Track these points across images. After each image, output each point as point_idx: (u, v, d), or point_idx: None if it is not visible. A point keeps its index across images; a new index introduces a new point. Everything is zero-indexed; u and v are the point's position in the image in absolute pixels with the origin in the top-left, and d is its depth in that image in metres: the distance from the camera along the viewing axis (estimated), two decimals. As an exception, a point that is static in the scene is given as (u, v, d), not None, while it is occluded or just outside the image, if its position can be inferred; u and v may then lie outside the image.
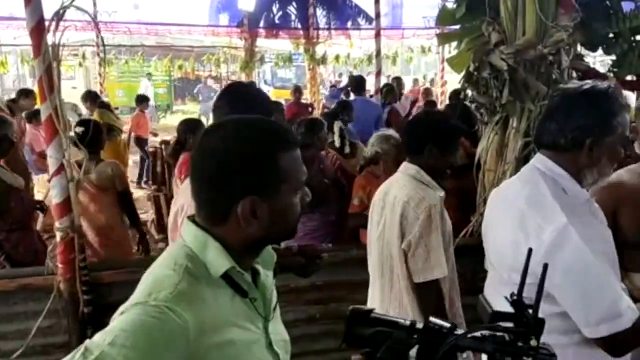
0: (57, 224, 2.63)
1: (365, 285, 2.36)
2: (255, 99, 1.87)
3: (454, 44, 3.52)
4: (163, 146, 5.80)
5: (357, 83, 6.56)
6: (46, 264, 2.74)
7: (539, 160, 1.52)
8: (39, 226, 3.99)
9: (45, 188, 4.43)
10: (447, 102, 7.38)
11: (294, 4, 12.35)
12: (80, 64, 12.89)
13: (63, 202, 2.61)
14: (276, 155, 1.00)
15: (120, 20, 13.20)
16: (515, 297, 0.90)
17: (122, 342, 0.87)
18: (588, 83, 1.49)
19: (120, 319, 0.92)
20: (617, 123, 1.42)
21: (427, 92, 9.99)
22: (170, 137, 6.70)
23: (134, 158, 9.00)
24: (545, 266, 0.90)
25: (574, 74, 3.00)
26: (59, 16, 2.47)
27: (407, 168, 2.18)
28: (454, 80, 5.23)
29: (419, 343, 0.90)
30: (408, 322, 0.93)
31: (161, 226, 4.91)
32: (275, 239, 1.10)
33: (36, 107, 5.31)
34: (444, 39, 3.98)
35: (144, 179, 8.55)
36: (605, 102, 1.43)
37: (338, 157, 4.12)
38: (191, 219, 1.05)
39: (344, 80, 14.84)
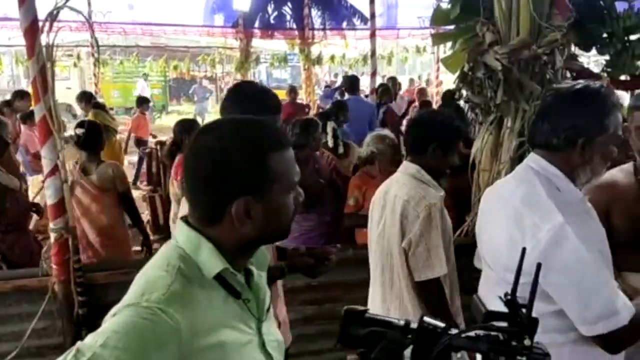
0: (51, 225, 2.62)
1: (361, 285, 2.35)
2: (261, 98, 1.83)
3: (449, 44, 3.53)
4: (158, 147, 5.79)
5: (351, 83, 6.59)
6: (40, 265, 2.73)
7: (533, 159, 1.52)
8: (31, 227, 3.98)
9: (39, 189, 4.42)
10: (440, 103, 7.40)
11: (289, 4, 12.34)
12: (75, 65, 12.87)
13: (57, 203, 2.59)
14: (266, 156, 0.99)
15: (115, 20, 13.13)
16: (509, 297, 0.90)
17: (114, 343, 0.87)
18: (580, 83, 1.50)
19: (113, 321, 0.91)
20: (609, 123, 1.43)
21: (422, 92, 9.97)
22: (166, 137, 6.69)
23: (130, 159, 8.96)
24: (539, 266, 0.90)
25: (568, 74, 3.01)
26: (52, 17, 2.47)
27: (407, 167, 2.18)
28: (449, 80, 5.24)
29: (413, 343, 0.89)
30: (402, 322, 0.93)
31: (156, 226, 4.90)
32: (269, 239, 1.10)
33: (31, 108, 5.28)
34: (438, 39, 3.99)
35: (140, 179, 8.53)
36: (597, 101, 1.44)
37: (333, 157, 4.12)
38: (184, 219, 1.05)
39: (339, 81, 14.84)
